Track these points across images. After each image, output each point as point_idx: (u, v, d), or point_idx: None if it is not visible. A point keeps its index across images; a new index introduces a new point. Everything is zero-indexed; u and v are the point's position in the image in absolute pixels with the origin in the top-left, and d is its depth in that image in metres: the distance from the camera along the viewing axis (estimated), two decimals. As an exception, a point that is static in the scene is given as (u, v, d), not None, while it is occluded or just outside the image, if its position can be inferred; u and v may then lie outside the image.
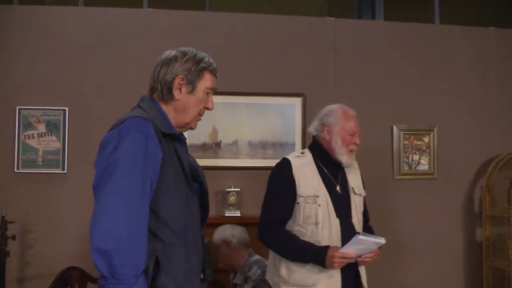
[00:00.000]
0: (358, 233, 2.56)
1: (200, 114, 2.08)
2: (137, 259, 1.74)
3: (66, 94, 4.00)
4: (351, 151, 2.75)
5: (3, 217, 3.46)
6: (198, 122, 2.09)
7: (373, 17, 5.33)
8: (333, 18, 4.48)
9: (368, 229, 2.85)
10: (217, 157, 4.11)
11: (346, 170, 2.82)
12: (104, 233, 1.71)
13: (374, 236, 2.61)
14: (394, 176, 4.34)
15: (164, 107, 2.02)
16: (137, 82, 3.97)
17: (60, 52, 4.04)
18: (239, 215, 4.00)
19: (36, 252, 3.85)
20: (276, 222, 2.72)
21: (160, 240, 1.87)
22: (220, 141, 4.15)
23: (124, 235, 1.71)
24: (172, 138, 1.98)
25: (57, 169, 3.93)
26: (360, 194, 2.84)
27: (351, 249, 2.55)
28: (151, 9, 4.33)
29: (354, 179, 2.85)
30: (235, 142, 4.18)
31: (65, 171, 3.95)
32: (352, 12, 5.49)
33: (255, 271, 3.28)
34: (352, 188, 2.80)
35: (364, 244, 2.54)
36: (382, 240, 2.56)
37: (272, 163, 4.13)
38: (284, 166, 2.78)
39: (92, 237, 1.72)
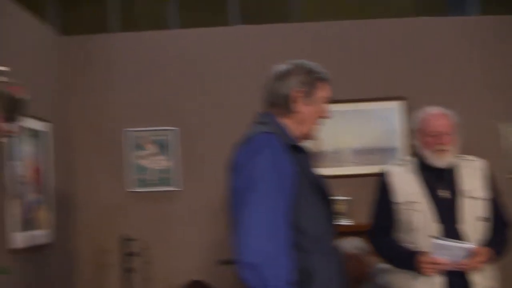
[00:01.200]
0: (433, 237, 2.48)
1: (318, 124, 2.10)
2: (285, 271, 1.79)
3: (176, 114, 4.16)
4: (441, 150, 2.65)
5: (124, 236, 3.62)
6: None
7: (465, 13, 5.16)
8: (426, 18, 4.41)
9: (494, 236, 2.66)
10: (321, 166, 4.10)
11: (463, 172, 2.71)
12: (250, 250, 1.78)
13: (457, 240, 2.50)
14: (507, 175, 4.16)
15: (283, 120, 2.06)
16: (243, 98, 4.06)
17: (166, 73, 4.21)
18: (351, 223, 3.97)
19: (156, 268, 4.00)
20: (378, 228, 2.76)
21: (303, 250, 1.91)
22: (323, 150, 4.15)
23: (269, 249, 1.77)
24: (297, 150, 2.01)
25: (169, 186, 4.08)
26: (477, 197, 2.66)
27: (438, 255, 2.48)
28: (243, 25, 4.43)
29: (471, 182, 2.69)
30: (338, 150, 4.17)
31: (178, 189, 4.09)
32: (441, 10, 5.34)
33: (381, 277, 3.29)
34: (466, 191, 2.66)
35: (448, 249, 2.46)
36: (468, 245, 2.46)
37: (377, 169, 4.13)
38: (382, 175, 2.81)
39: (239, 254, 1.79)
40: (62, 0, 4.58)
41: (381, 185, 2.79)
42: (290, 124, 2.05)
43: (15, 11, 3.50)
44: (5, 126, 1.19)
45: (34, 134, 3.56)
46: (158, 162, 4.09)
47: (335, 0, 4.68)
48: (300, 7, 4.87)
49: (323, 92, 2.07)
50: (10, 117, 1.21)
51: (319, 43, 4.28)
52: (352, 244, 3.51)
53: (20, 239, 3.24)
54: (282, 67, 2.08)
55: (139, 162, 4.10)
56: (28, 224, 3.39)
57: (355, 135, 4.18)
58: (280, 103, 2.04)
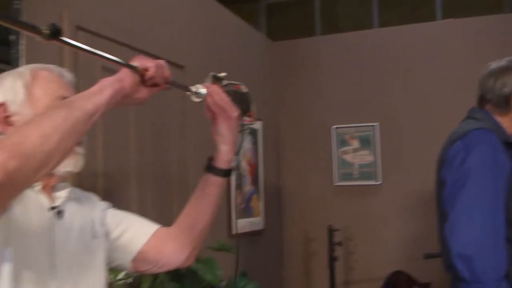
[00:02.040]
0: None
1: None
2: (497, 264, 1.81)
3: (376, 111, 4.28)
4: None
5: (330, 226, 3.86)
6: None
7: None
8: None
9: None
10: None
11: None
12: (463, 240, 1.82)
13: None
14: None
15: (498, 118, 2.04)
16: (442, 93, 4.05)
17: (366, 72, 4.34)
18: None
19: (358, 258, 4.20)
20: None
21: None
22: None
23: (483, 241, 1.80)
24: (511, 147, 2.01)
25: (372, 180, 4.24)
26: None
27: None
28: (445, 20, 4.38)
29: None
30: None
31: (380, 182, 4.23)
32: None
33: None
34: None
35: None
36: None
37: None
38: None
39: (452, 243, 1.85)
40: (271, 8, 5.01)
41: None
42: (505, 122, 2.03)
43: (235, 22, 3.94)
44: (244, 119, 1.46)
45: (251, 131, 3.98)
46: (361, 157, 4.27)
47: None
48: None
49: None
50: (245, 111, 1.48)
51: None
52: None
53: (240, 225, 3.67)
54: (502, 63, 2.03)
55: (343, 157, 4.32)
56: (246, 212, 3.82)
57: None
58: (497, 101, 2.01)
